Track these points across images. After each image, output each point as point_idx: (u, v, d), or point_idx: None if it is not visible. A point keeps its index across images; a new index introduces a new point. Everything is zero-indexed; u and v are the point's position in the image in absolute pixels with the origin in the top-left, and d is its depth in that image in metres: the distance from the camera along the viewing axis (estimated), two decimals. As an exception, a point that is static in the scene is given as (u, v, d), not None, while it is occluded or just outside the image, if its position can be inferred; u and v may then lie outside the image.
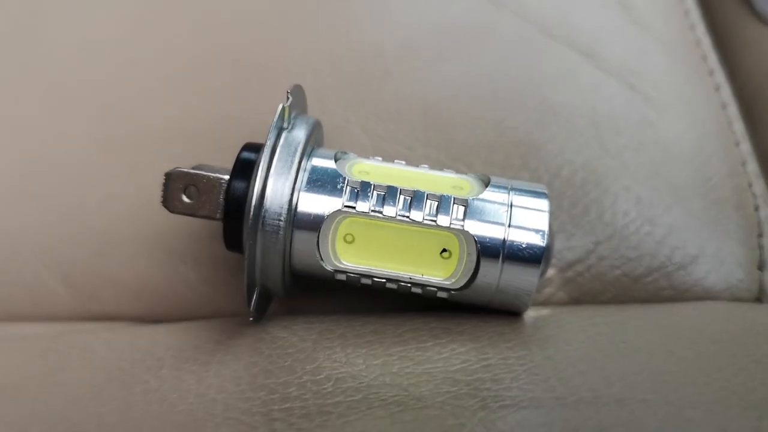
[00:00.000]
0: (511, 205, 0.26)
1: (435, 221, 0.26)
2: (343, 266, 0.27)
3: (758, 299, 0.31)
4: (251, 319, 0.27)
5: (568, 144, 0.32)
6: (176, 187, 0.27)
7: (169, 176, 0.27)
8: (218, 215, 0.27)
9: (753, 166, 0.33)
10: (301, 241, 0.26)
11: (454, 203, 0.26)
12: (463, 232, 0.26)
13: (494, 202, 0.26)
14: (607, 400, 0.22)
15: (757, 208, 0.32)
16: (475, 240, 0.26)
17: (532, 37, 0.35)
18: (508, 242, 0.26)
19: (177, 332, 0.29)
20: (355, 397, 0.23)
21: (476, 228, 0.26)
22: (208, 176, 0.27)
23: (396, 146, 0.33)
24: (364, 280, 0.27)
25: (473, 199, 0.26)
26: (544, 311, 0.29)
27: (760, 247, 0.31)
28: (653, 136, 0.33)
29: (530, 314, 0.28)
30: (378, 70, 0.35)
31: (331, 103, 0.34)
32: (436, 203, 0.26)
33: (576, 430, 0.21)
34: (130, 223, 0.33)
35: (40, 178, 0.35)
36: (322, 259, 0.27)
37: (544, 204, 0.27)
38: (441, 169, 0.28)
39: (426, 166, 0.28)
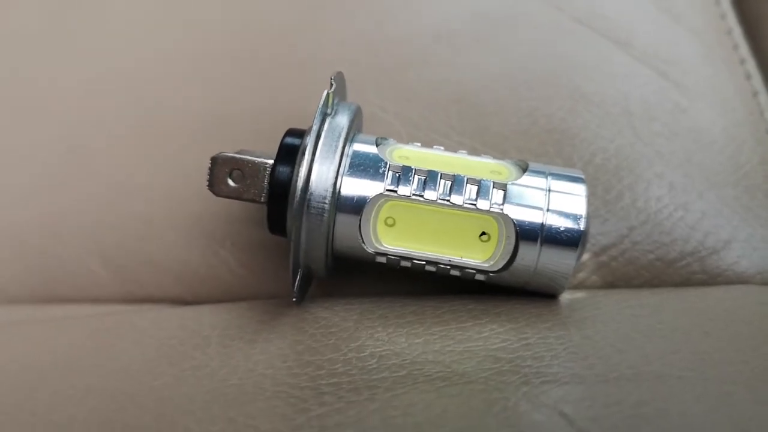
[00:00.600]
0: (549, 190, 0.27)
1: (475, 205, 0.27)
2: (383, 248, 0.28)
3: (788, 284, 0.31)
4: (294, 299, 0.28)
5: (601, 131, 0.33)
6: (222, 171, 0.28)
7: (215, 160, 0.28)
8: (263, 198, 0.27)
9: (785, 154, 0.34)
10: (344, 224, 0.27)
11: (493, 187, 0.27)
12: (502, 216, 0.27)
13: (532, 187, 0.27)
14: (646, 376, 0.23)
15: (788, 195, 0.33)
16: (514, 223, 0.26)
17: (565, 25, 0.36)
18: (546, 226, 0.26)
19: (221, 312, 0.29)
20: (400, 372, 0.24)
21: (515, 212, 0.27)
22: (253, 161, 0.27)
23: (431, 134, 0.33)
24: (403, 263, 0.28)
25: (512, 183, 0.27)
26: (579, 294, 0.29)
27: (792, 233, 0.32)
28: (686, 123, 0.33)
29: (565, 297, 0.29)
30: (413, 58, 0.36)
31: (367, 92, 0.34)
32: (476, 187, 0.27)
33: (618, 404, 0.21)
34: (171, 207, 0.34)
35: (82, 163, 0.35)
36: (363, 242, 0.27)
37: (581, 189, 0.27)
38: (478, 155, 0.29)
39: (464, 151, 0.29)
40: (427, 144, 0.30)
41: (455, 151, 0.29)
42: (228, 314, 0.29)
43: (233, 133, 0.34)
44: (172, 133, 0.35)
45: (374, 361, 0.25)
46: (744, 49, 0.37)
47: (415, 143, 0.29)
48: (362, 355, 0.25)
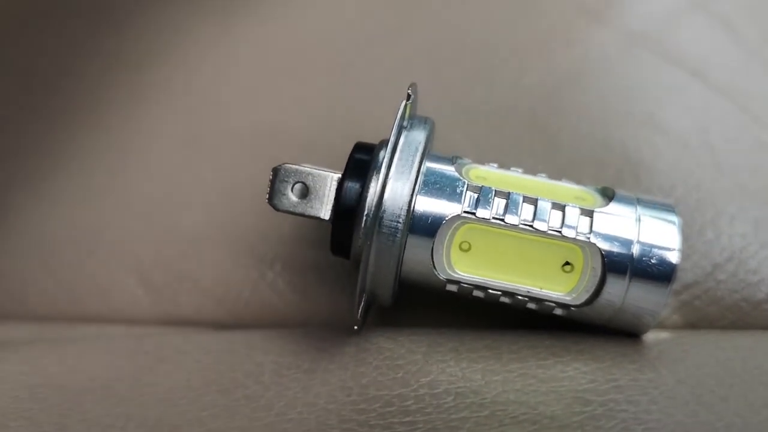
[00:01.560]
0: (639, 219, 0.25)
1: (560, 232, 0.24)
2: (456, 276, 0.25)
3: None
4: (355, 327, 0.25)
5: (680, 163, 0.31)
6: (284, 184, 0.26)
7: (276, 171, 0.26)
8: (329, 216, 0.25)
9: None
10: (415, 246, 0.25)
11: (580, 214, 0.25)
12: (589, 245, 0.24)
13: (621, 215, 0.25)
14: (758, 427, 0.20)
15: None
16: (601, 253, 0.24)
17: (638, 54, 0.34)
18: (636, 258, 0.24)
19: (273, 338, 0.27)
20: (482, 413, 0.21)
21: (602, 240, 0.24)
22: (320, 173, 0.25)
23: (500, 155, 0.31)
24: (476, 292, 0.26)
25: (599, 210, 0.25)
26: (664, 334, 0.27)
27: None
28: (768, 161, 0.31)
29: (649, 336, 0.26)
30: (484, 76, 0.34)
31: (434, 106, 0.32)
32: (561, 213, 0.25)
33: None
34: (215, 224, 0.32)
35: (121, 174, 0.34)
36: (435, 267, 0.25)
37: (673, 218, 0.25)
38: (559, 179, 0.27)
39: (544, 175, 0.27)
40: (504, 166, 0.28)
41: (534, 174, 0.27)
42: (281, 340, 0.27)
43: (287, 147, 0.32)
44: (221, 146, 0.33)
45: (450, 398, 0.22)
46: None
47: (492, 164, 0.27)
48: (436, 391, 0.23)
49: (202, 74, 0.35)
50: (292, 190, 0.26)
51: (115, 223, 0.33)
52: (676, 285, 0.29)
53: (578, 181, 0.29)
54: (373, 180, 0.24)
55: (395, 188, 0.24)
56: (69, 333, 0.31)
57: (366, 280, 0.25)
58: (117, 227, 0.33)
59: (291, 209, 0.26)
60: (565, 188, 0.26)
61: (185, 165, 0.33)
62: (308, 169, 0.26)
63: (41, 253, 0.33)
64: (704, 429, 0.20)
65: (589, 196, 0.26)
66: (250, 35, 0.36)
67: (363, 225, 0.24)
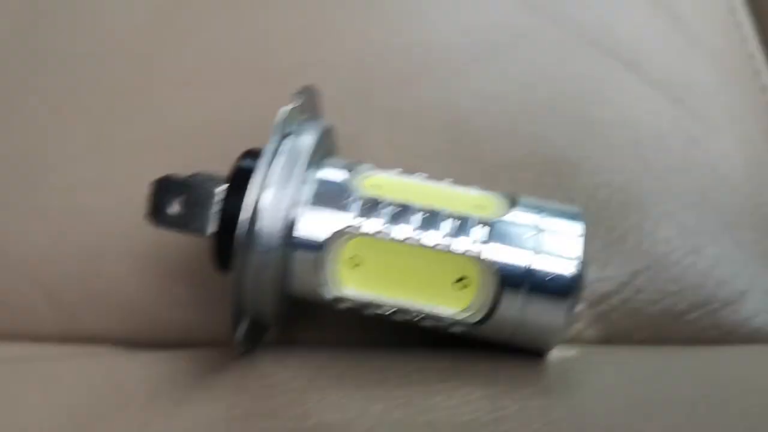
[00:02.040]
0: (540, 229, 0.23)
1: (450, 246, 0.23)
2: (345, 294, 0.24)
3: (809, 343, 0.27)
4: (236, 351, 0.24)
5: (607, 163, 0.29)
6: (164, 197, 0.24)
7: (157, 184, 0.24)
8: (210, 231, 0.24)
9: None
10: (300, 262, 0.23)
11: (474, 225, 0.23)
12: (482, 259, 0.23)
13: (521, 225, 0.23)
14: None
15: (813, 241, 0.29)
16: (496, 268, 0.23)
17: (572, 44, 0.32)
18: (533, 271, 0.23)
19: (156, 363, 0.26)
20: (345, 448, 0.20)
21: (497, 253, 0.23)
22: (201, 186, 0.24)
23: (419, 160, 0.30)
24: (369, 310, 0.24)
25: (496, 221, 0.23)
26: (571, 352, 0.26)
27: (816, 284, 0.28)
28: (700, 156, 0.29)
29: (555, 355, 0.25)
30: (405, 75, 0.32)
31: (352, 109, 0.31)
32: (454, 225, 0.23)
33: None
34: (121, 238, 0.30)
35: (27, 189, 0.32)
36: (323, 285, 0.24)
37: (578, 228, 0.23)
38: (465, 185, 0.25)
39: (449, 180, 0.25)
40: (413, 170, 0.27)
41: (439, 180, 0.25)
42: (165, 364, 0.25)
43: (202, 152, 0.31)
44: (131, 155, 0.32)
45: (321, 434, 0.21)
46: (766, 76, 0.33)
47: (395, 170, 0.25)
48: (304, 425, 0.21)
49: (111, 80, 0.34)
50: (172, 205, 0.24)
51: (21, 238, 0.31)
52: (592, 296, 0.27)
53: (494, 186, 0.27)
54: (250, 192, 0.23)
55: (274, 200, 0.23)
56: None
57: (239, 302, 0.23)
58: (23, 242, 0.31)
59: (171, 225, 0.24)
60: (467, 196, 0.25)
61: (87, 178, 0.31)
62: (190, 181, 0.24)
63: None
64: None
65: (492, 203, 0.24)
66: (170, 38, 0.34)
67: (235, 243, 0.22)
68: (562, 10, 0.33)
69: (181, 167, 0.26)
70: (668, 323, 0.27)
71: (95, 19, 0.36)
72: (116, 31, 0.35)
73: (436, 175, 0.28)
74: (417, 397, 0.22)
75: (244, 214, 0.22)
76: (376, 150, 0.30)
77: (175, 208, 0.24)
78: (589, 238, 0.26)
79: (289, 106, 0.23)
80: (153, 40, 0.34)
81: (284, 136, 0.24)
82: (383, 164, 0.28)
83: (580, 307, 0.27)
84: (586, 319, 0.27)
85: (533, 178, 0.29)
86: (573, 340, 0.27)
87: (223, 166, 0.25)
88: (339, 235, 0.23)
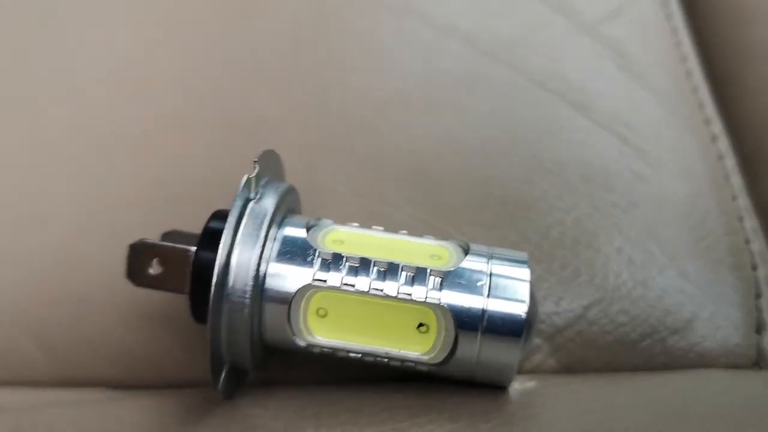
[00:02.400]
0: (491, 275, 0.25)
1: (410, 295, 0.25)
2: (316, 341, 0.26)
3: (756, 364, 0.29)
4: (219, 397, 0.26)
5: (558, 202, 0.31)
6: (141, 260, 0.26)
7: (133, 248, 0.26)
8: (186, 289, 0.26)
9: (751, 222, 0.32)
10: (272, 315, 0.25)
11: (430, 275, 0.25)
12: (439, 306, 0.25)
13: (472, 272, 0.25)
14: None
15: (755, 267, 0.31)
16: (451, 313, 0.25)
17: (524, 88, 0.34)
18: (487, 314, 0.25)
19: (145, 408, 0.27)
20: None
21: (453, 300, 0.25)
22: (175, 248, 0.26)
23: (381, 205, 0.31)
24: (339, 354, 0.26)
25: (450, 270, 0.25)
26: (530, 384, 0.27)
27: (758, 309, 0.30)
28: (646, 192, 0.31)
29: (516, 387, 0.27)
30: (366, 123, 0.34)
31: (317, 159, 0.33)
32: (412, 275, 0.25)
33: None
34: (108, 286, 0.32)
35: (18, 236, 0.34)
36: (294, 334, 0.26)
37: (524, 273, 0.25)
38: (420, 235, 0.27)
39: (405, 232, 0.27)
40: (376, 215, 0.29)
41: (396, 232, 0.27)
42: (154, 409, 0.27)
43: (178, 210, 0.32)
44: (115, 208, 0.33)
45: (297, 473, 0.23)
46: (710, 109, 0.35)
47: (353, 224, 0.27)
48: (284, 463, 0.23)
49: (91, 132, 0.36)
50: (150, 267, 0.26)
51: (12, 286, 0.33)
52: (550, 329, 0.29)
53: (453, 229, 0.29)
54: (220, 252, 0.24)
55: (241, 260, 0.24)
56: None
57: (219, 353, 0.25)
58: (14, 290, 0.33)
59: (150, 284, 0.26)
60: (423, 246, 0.27)
61: (77, 228, 0.33)
62: (165, 244, 0.26)
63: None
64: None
65: (447, 252, 0.26)
66: (139, 86, 0.36)
67: (210, 301, 0.24)
68: (513, 55, 0.35)
69: (161, 224, 0.28)
70: (621, 351, 0.29)
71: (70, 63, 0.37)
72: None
73: (398, 219, 0.30)
74: (386, 434, 0.24)
75: (215, 276, 0.24)
76: (341, 198, 0.32)
77: (152, 269, 0.26)
78: (543, 275, 0.29)
79: (251, 174, 0.25)
80: (113, 95, 0.36)
81: (248, 200, 0.25)
82: (347, 209, 0.31)
83: (538, 341, 0.29)
84: (545, 350, 0.29)
85: (489, 220, 0.31)
86: (533, 371, 0.29)
87: (196, 220, 0.27)
88: (305, 289, 0.25)
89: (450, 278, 0.25)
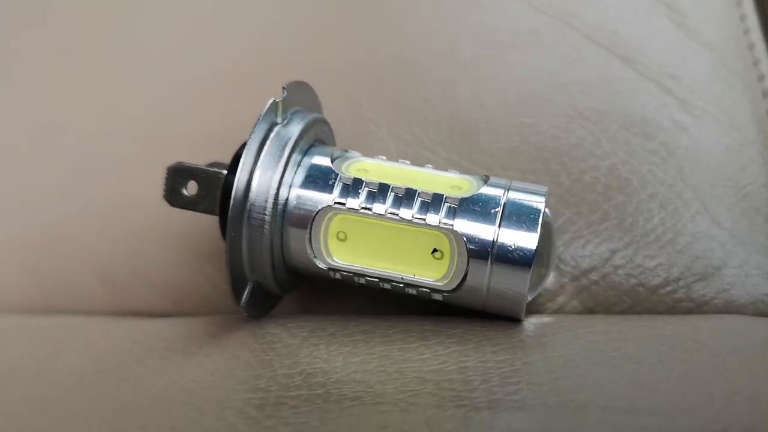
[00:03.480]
0: (504, 205, 0.25)
1: (424, 219, 0.25)
2: (336, 264, 0.27)
3: (790, 315, 0.28)
4: (246, 314, 0.27)
5: (595, 149, 0.31)
6: (177, 182, 0.27)
7: (170, 170, 0.27)
8: (217, 210, 0.27)
9: (798, 175, 0.31)
10: (294, 237, 0.26)
11: (445, 201, 0.25)
12: (452, 232, 0.25)
13: (487, 202, 0.26)
14: (569, 405, 0.21)
15: (795, 220, 0.30)
16: (464, 240, 0.25)
17: (573, 42, 0.34)
18: (498, 243, 0.25)
19: (178, 325, 0.29)
20: (317, 391, 0.23)
21: (466, 227, 0.25)
22: (207, 171, 0.27)
23: (420, 150, 0.32)
24: (358, 279, 0.27)
25: (465, 197, 0.26)
26: (547, 319, 0.28)
27: (794, 261, 0.29)
28: (685, 141, 0.31)
29: (532, 321, 0.27)
30: (413, 76, 0.35)
31: (363, 108, 0.34)
32: (428, 201, 0.26)
33: (520, 432, 0.20)
34: (163, 222, 0.34)
35: (84, 180, 0.36)
36: (315, 257, 0.27)
37: (539, 204, 0.26)
38: (446, 169, 0.28)
39: (430, 165, 0.28)
40: (415, 160, 0.29)
41: (422, 165, 0.28)
42: (184, 328, 0.29)
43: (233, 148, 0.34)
44: (171, 150, 0.35)
45: (300, 378, 0.24)
46: (766, 65, 0.34)
47: (381, 156, 0.28)
48: (291, 371, 0.24)
49: (154, 83, 0.38)
50: (186, 188, 0.27)
51: (79, 222, 0.35)
52: (575, 270, 0.29)
53: (487, 173, 0.29)
54: (240, 173, 0.26)
55: (262, 181, 0.26)
56: (30, 323, 0.34)
57: (241, 270, 0.26)
58: (80, 226, 0.35)
59: (185, 205, 0.27)
60: (445, 177, 0.27)
61: (137, 170, 0.35)
62: (199, 166, 0.27)
63: (18, 250, 0.36)
64: (511, 406, 0.21)
65: (467, 183, 0.27)
66: (202, 41, 0.38)
67: (228, 218, 0.25)
68: (566, 10, 0.35)
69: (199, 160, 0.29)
70: (645, 296, 0.29)
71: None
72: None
73: (434, 162, 0.31)
74: (394, 352, 0.25)
75: (234, 192, 0.25)
76: (383, 143, 0.33)
77: (188, 190, 0.27)
78: (572, 218, 0.29)
79: (278, 98, 0.26)
80: (165, 50, 0.38)
81: (274, 125, 0.27)
82: (387, 153, 0.31)
83: (564, 280, 0.29)
84: (569, 291, 0.29)
85: (523, 165, 0.31)
86: (558, 311, 0.29)
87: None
88: (325, 211, 0.26)
89: (465, 205, 0.25)
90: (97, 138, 0.37)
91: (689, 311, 0.28)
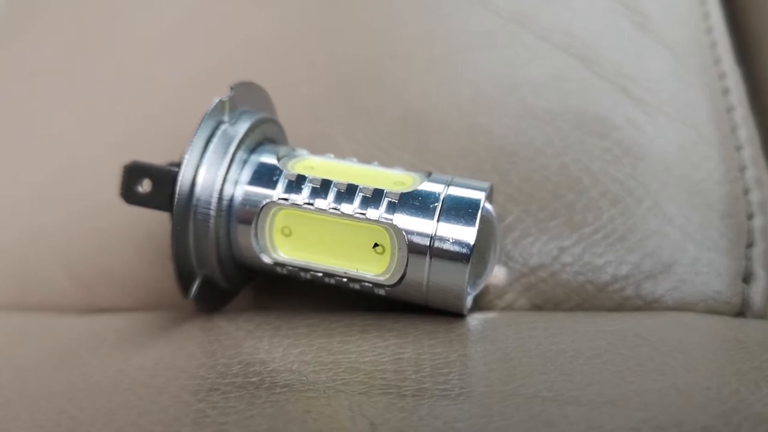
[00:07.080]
0: (444, 200, 0.26)
1: (365, 214, 0.26)
2: (281, 259, 0.27)
3: (740, 314, 0.28)
4: (195, 308, 0.28)
5: (546, 148, 0.31)
6: (132, 179, 0.28)
7: (126, 168, 0.28)
8: (168, 206, 0.28)
9: (754, 172, 0.31)
10: (240, 233, 0.27)
11: (385, 196, 0.26)
12: (392, 226, 0.26)
13: (427, 197, 0.26)
14: (495, 394, 0.21)
15: (750, 217, 0.30)
16: (404, 234, 0.26)
17: (527, 43, 0.35)
18: (436, 237, 0.25)
19: (132, 319, 0.30)
20: (252, 379, 0.23)
21: (406, 222, 0.26)
22: (160, 168, 0.28)
23: (373, 150, 0.33)
24: (303, 274, 0.28)
25: (405, 192, 0.26)
26: (492, 315, 0.28)
27: (748, 258, 0.29)
28: (639, 139, 0.31)
29: (477, 317, 0.27)
30: (369, 78, 0.36)
31: (320, 111, 0.35)
32: (368, 196, 0.26)
33: (435, 418, 0.20)
34: (129, 223, 0.35)
35: (62, 183, 0.37)
36: (261, 251, 0.27)
37: (478, 200, 0.26)
38: (392, 166, 0.28)
39: (376, 163, 0.28)
40: (367, 159, 0.30)
41: (369, 163, 0.28)
42: (138, 321, 0.29)
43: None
44: (146, 152, 0.36)
45: (239, 367, 0.24)
46: (728, 63, 0.34)
47: (329, 155, 0.29)
48: (231, 361, 0.25)
49: (132, 87, 0.39)
50: (141, 185, 0.28)
51: (55, 223, 0.36)
52: (523, 268, 0.29)
53: (411, 168, 0.30)
54: (185, 169, 0.26)
55: (207, 177, 0.26)
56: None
57: (188, 264, 0.27)
58: (57, 226, 0.36)
59: (139, 202, 0.28)
60: (389, 174, 0.28)
61: (111, 171, 0.36)
62: (153, 164, 0.28)
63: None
64: (437, 394, 0.21)
65: (411, 180, 0.27)
66: (171, 46, 0.39)
67: (173, 212, 0.26)
68: (520, 12, 0.36)
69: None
70: (593, 293, 0.29)
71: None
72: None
73: (386, 163, 0.31)
74: (333, 344, 0.25)
75: (180, 185, 0.26)
76: (337, 144, 0.33)
77: (143, 188, 0.28)
78: (521, 216, 0.29)
79: (221, 98, 0.27)
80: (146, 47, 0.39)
81: (221, 123, 0.27)
82: (341, 153, 0.32)
83: (513, 277, 0.29)
84: (517, 289, 0.29)
85: (473, 164, 0.31)
86: (506, 308, 0.29)
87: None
88: (269, 207, 0.27)
89: (405, 200, 0.26)
90: (75, 142, 0.38)
91: (638, 308, 0.28)
